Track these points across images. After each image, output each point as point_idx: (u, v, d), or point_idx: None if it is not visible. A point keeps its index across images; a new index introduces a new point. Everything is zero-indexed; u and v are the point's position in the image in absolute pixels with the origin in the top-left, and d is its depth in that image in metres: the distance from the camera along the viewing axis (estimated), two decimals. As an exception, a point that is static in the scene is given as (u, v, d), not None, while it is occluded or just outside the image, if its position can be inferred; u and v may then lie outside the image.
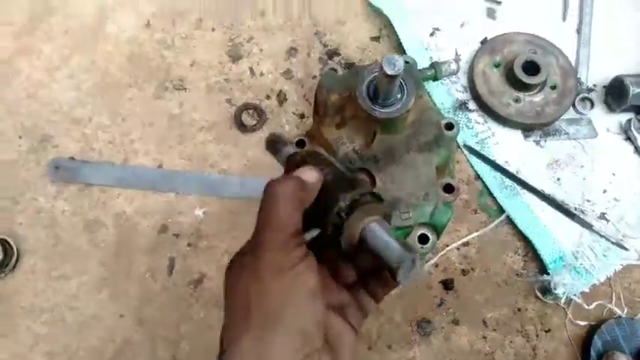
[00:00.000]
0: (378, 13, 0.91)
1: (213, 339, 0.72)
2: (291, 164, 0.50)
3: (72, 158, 0.82)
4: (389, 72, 0.62)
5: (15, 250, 0.77)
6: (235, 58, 0.89)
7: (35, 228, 0.79)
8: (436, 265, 0.78)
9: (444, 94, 0.87)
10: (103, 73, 0.87)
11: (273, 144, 0.54)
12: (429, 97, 0.83)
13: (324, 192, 0.45)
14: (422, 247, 0.70)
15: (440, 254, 0.78)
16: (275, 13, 0.91)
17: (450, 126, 0.78)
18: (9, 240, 0.77)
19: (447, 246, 0.79)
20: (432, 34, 0.90)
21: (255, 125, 0.84)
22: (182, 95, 0.86)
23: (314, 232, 0.44)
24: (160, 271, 0.77)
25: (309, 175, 0.44)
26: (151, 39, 0.90)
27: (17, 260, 0.77)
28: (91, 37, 0.89)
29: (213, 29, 0.90)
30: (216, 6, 0.92)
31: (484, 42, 0.89)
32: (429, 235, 0.70)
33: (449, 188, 0.74)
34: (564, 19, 0.91)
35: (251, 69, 0.88)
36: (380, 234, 0.43)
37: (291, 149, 0.53)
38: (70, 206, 0.80)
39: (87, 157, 0.82)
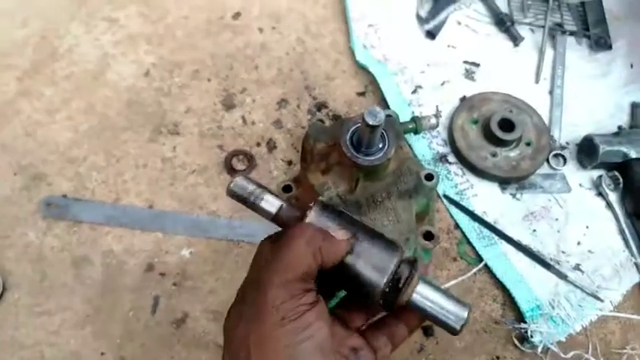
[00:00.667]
0: (364, 70, 0.97)
1: (193, 381, 0.73)
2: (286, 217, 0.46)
3: (64, 196, 0.84)
4: (370, 122, 0.66)
5: (1, 282, 0.77)
6: (228, 106, 0.93)
7: (22, 262, 0.80)
8: (416, 311, 0.80)
9: (425, 147, 0.91)
10: (101, 116, 0.91)
11: (241, 197, 0.47)
12: (410, 148, 0.88)
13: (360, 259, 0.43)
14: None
15: (420, 300, 0.80)
16: (268, 68, 0.97)
17: (429, 177, 0.82)
18: (-5, 274, 0.77)
19: (427, 292, 0.80)
20: (414, 92, 0.96)
21: (244, 170, 0.87)
22: (176, 139, 0.90)
23: (341, 294, 0.45)
24: (144, 310, 0.78)
25: (339, 233, 0.42)
26: (150, 87, 0.94)
27: (2, 294, 0.77)
28: (92, 83, 0.94)
29: (209, 80, 0.96)
30: (213, 60, 0.98)
31: (463, 100, 0.94)
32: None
33: (429, 236, 0.77)
34: (537, 81, 0.98)
35: (243, 117, 0.92)
36: (433, 297, 0.43)
37: (271, 201, 0.47)
38: (59, 242, 0.81)
39: (79, 196, 0.85)
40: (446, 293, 0.43)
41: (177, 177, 0.87)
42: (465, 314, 0.42)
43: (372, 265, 0.43)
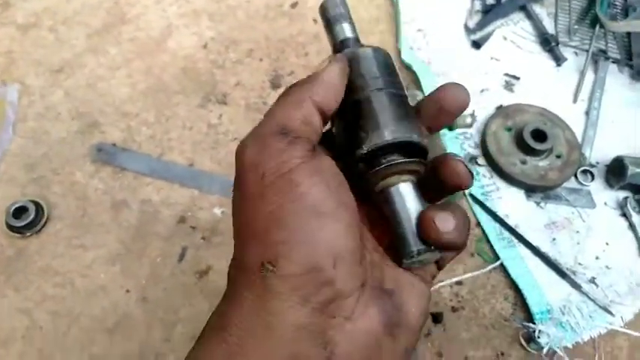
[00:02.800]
0: (408, 68, 1.01)
1: (208, 327, 0.77)
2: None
3: (114, 145, 0.91)
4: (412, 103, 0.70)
5: (45, 213, 0.83)
6: (275, 85, 0.99)
7: (67, 198, 0.86)
8: (428, 298, 0.82)
9: (458, 148, 0.94)
10: (157, 79, 0.98)
11: (325, 15, 0.44)
12: (443, 144, 0.92)
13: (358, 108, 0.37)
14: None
15: (433, 288, 0.82)
16: (318, 55, 1.03)
17: (459, 173, 0.86)
18: (42, 204, 0.83)
19: (442, 281, 0.83)
20: (453, 94, 0.99)
21: (282, 144, 0.92)
22: (223, 108, 0.96)
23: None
24: (171, 258, 0.83)
25: (320, 65, 0.37)
26: (206, 58, 1.01)
27: (45, 223, 0.83)
28: (153, 48, 1.01)
29: (260, 59, 1.02)
30: (267, 42, 1.04)
31: (499, 108, 0.98)
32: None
33: (450, 227, 0.80)
34: (575, 101, 1.01)
35: (288, 97, 0.98)
36: (411, 205, 0.35)
37: (346, 30, 0.43)
38: (103, 185, 0.87)
39: (127, 146, 0.91)
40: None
41: (220, 142, 0.92)
42: (423, 250, 0.34)
43: (378, 120, 0.36)
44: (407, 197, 0.35)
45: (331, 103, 0.35)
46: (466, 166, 0.36)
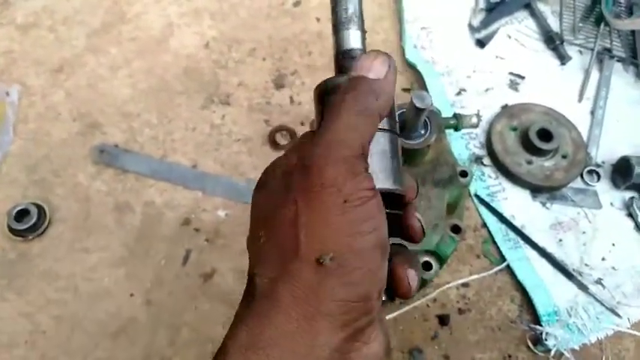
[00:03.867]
0: (412, 67, 1.00)
1: (212, 332, 0.76)
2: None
3: (116, 146, 0.89)
4: (418, 105, 0.69)
5: (48, 216, 0.82)
6: (279, 85, 0.98)
7: (70, 200, 0.85)
8: (435, 300, 0.82)
9: (463, 147, 0.94)
10: (159, 79, 0.97)
11: (336, 10, 0.41)
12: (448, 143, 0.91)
13: None
14: (425, 274, 0.75)
15: (440, 289, 0.82)
16: (321, 55, 1.02)
17: (464, 174, 0.85)
18: (44, 206, 0.82)
19: (448, 283, 0.82)
20: (458, 94, 0.99)
21: (286, 145, 0.91)
22: (226, 109, 0.95)
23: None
24: (176, 260, 0.82)
25: (381, 68, 0.34)
26: (208, 58, 1.00)
27: (47, 226, 0.82)
28: (154, 47, 1.00)
29: (263, 59, 1.01)
30: (269, 41, 1.03)
31: (504, 107, 0.97)
32: (432, 263, 0.75)
33: (456, 229, 0.80)
34: (580, 100, 1.00)
35: (291, 97, 0.97)
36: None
37: (354, 39, 0.40)
38: (105, 187, 0.86)
39: (130, 148, 0.90)
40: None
41: (223, 143, 0.91)
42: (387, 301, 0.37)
43: (373, 165, 0.36)
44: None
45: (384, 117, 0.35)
46: (421, 225, 0.39)
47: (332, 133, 0.32)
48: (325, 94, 0.39)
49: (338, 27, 0.40)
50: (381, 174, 0.36)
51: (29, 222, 0.80)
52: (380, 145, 0.37)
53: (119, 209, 0.85)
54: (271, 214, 0.33)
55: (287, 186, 0.33)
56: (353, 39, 0.40)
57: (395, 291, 0.37)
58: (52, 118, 0.92)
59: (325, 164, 0.31)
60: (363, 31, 0.41)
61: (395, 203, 0.38)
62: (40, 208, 0.82)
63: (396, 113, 0.79)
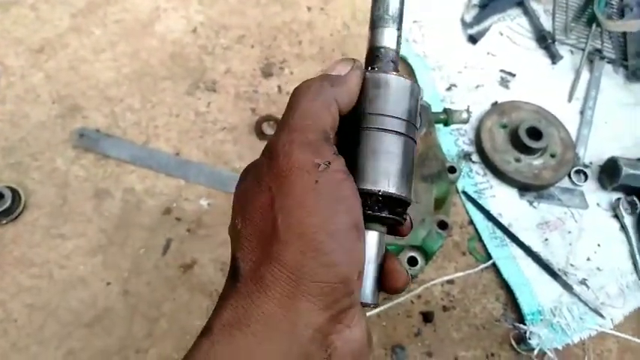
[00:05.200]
0: (403, 61, 0.99)
1: (191, 323, 0.74)
2: None
3: (97, 130, 0.87)
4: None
5: (23, 201, 0.79)
6: (267, 74, 0.96)
7: (46, 185, 0.82)
8: (419, 297, 0.81)
9: (452, 143, 0.93)
10: (144, 63, 0.94)
11: (376, 4, 0.40)
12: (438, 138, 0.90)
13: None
14: (410, 269, 0.73)
15: (424, 286, 0.81)
16: (311, 44, 1.00)
17: (452, 169, 0.84)
18: (19, 190, 0.79)
19: (433, 280, 0.81)
20: (448, 89, 0.97)
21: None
22: (212, 96, 0.92)
23: None
24: (155, 250, 0.79)
25: (343, 68, 0.36)
26: (194, 43, 0.97)
27: (22, 211, 0.79)
28: (140, 31, 0.97)
29: (252, 46, 0.98)
30: (259, 29, 1.00)
31: (494, 104, 0.96)
32: (418, 258, 0.74)
33: (443, 225, 0.78)
34: (570, 100, 1.00)
35: (279, 86, 0.95)
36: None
37: (388, 38, 0.40)
38: (84, 172, 0.83)
39: (111, 132, 0.87)
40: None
41: (208, 131, 0.89)
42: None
43: (387, 167, 0.36)
44: (371, 244, 0.37)
45: (347, 109, 0.36)
46: (410, 219, 0.40)
47: (293, 120, 0.33)
48: None
49: (376, 23, 0.40)
50: (377, 174, 0.36)
51: (3, 206, 0.77)
52: (385, 145, 0.36)
53: (98, 195, 0.82)
54: (249, 202, 0.34)
55: (259, 175, 0.34)
56: (387, 37, 0.39)
57: (394, 282, 0.37)
58: (31, 100, 0.89)
59: (290, 149, 0.32)
60: (400, 31, 0.40)
61: (395, 208, 0.37)
62: (14, 192, 0.79)
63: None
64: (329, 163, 0.32)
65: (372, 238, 0.37)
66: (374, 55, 0.39)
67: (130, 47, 0.95)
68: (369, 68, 0.39)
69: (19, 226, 0.79)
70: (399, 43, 0.40)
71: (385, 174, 0.36)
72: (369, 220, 0.36)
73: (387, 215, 0.37)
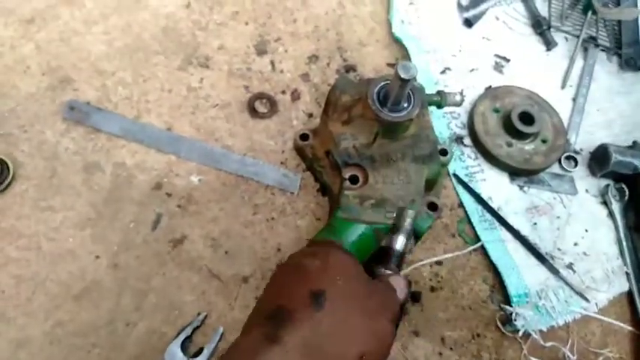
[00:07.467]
0: (398, 42, 0.98)
1: (180, 298, 0.74)
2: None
3: (88, 103, 0.86)
4: (402, 75, 0.68)
5: (11, 172, 0.78)
6: (260, 51, 0.95)
7: (35, 158, 0.81)
8: (407, 277, 0.81)
9: (444, 126, 0.93)
10: (136, 37, 0.93)
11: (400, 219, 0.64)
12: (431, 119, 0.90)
13: None
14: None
15: (413, 266, 0.81)
16: (305, 23, 0.99)
17: (444, 152, 0.85)
18: (8, 162, 0.78)
19: (421, 260, 0.82)
20: (442, 72, 0.97)
21: (265, 113, 0.89)
22: (204, 72, 0.91)
23: None
24: (145, 224, 0.79)
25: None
26: (188, 18, 0.96)
27: (11, 182, 0.78)
28: (133, 4, 0.95)
29: (246, 23, 0.97)
30: (253, 5, 0.99)
31: (488, 89, 0.96)
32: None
33: (433, 206, 0.79)
34: (563, 87, 1.00)
35: (272, 64, 0.94)
36: None
37: (399, 243, 0.63)
38: (74, 145, 0.83)
39: (102, 106, 0.86)
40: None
41: (200, 107, 0.88)
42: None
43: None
44: None
45: None
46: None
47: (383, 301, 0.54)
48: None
49: (396, 229, 0.63)
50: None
51: (-9, 177, 0.76)
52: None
53: (87, 169, 0.81)
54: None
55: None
56: (399, 243, 0.62)
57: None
58: (20, 71, 0.88)
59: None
60: (409, 239, 0.63)
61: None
62: (3, 163, 0.78)
63: (379, 85, 0.77)
64: None
65: None
66: (387, 252, 0.62)
67: (122, 20, 0.94)
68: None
69: (8, 198, 0.78)
70: (406, 245, 0.62)
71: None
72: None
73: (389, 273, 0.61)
